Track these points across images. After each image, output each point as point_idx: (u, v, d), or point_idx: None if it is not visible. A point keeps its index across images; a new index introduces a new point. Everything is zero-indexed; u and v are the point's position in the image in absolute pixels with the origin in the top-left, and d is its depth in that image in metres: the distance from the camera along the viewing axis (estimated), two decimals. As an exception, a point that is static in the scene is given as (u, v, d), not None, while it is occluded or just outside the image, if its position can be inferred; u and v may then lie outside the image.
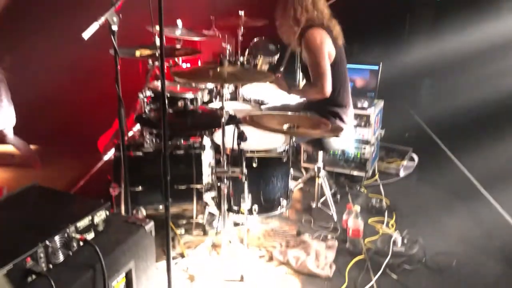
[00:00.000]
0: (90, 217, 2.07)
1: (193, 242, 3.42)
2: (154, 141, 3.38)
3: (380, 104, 4.56)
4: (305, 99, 3.93)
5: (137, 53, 3.67)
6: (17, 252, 1.76)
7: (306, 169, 4.59)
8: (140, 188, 3.18)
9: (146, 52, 3.71)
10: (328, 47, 3.46)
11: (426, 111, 6.39)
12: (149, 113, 3.47)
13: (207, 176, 3.36)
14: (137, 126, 4.23)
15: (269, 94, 4.41)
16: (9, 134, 4.35)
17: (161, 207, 3.25)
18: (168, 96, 3.58)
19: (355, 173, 4.45)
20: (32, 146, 4.67)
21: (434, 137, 5.65)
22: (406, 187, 4.48)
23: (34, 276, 1.79)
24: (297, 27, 3.52)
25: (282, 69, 4.12)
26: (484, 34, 5.84)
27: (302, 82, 4.19)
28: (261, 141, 3.44)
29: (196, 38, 4.66)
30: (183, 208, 3.32)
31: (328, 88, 3.48)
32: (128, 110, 4.13)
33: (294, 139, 3.56)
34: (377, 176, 4.58)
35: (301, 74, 4.47)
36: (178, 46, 4.17)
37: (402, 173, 4.65)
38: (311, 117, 3.53)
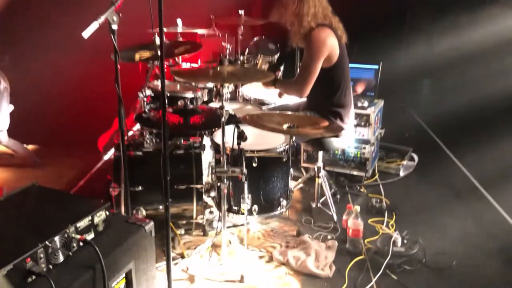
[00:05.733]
0: (90, 217, 2.06)
1: (193, 242, 3.42)
2: (154, 140, 3.37)
3: (380, 103, 4.56)
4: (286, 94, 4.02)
5: (137, 56, 3.66)
6: (17, 252, 1.75)
7: (306, 169, 4.59)
8: (140, 188, 3.18)
9: (146, 54, 3.70)
10: (331, 48, 3.42)
11: (426, 111, 6.40)
12: (149, 113, 3.46)
13: (207, 176, 3.35)
14: (137, 126, 4.22)
15: (268, 93, 4.41)
16: (3, 137, 4.34)
17: (161, 207, 3.25)
18: (168, 95, 3.57)
19: (355, 173, 4.45)
20: (32, 146, 4.67)
21: (434, 137, 5.66)
22: (406, 187, 4.47)
23: (34, 277, 1.79)
24: (314, 22, 3.44)
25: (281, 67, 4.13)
26: (485, 34, 5.85)
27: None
28: (261, 141, 3.44)
29: (197, 30, 4.64)
30: (183, 208, 3.31)
31: (307, 92, 3.49)
32: (128, 109, 4.13)
33: (294, 138, 3.56)
34: (377, 176, 4.59)
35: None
36: (180, 39, 4.16)
37: (402, 173, 4.65)
38: (311, 117, 3.53)
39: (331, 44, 3.42)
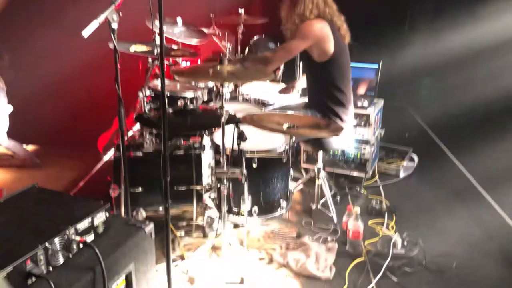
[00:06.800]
0: (90, 219, 2.06)
1: (193, 244, 3.40)
2: (154, 141, 3.36)
3: (380, 103, 4.55)
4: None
5: (132, 47, 3.64)
6: (17, 254, 1.74)
7: (306, 170, 4.58)
8: (140, 189, 3.16)
9: (142, 48, 3.68)
10: (322, 37, 3.39)
11: (426, 111, 6.39)
12: (149, 113, 3.45)
13: (207, 177, 3.34)
14: (137, 126, 4.21)
15: (269, 93, 4.41)
16: (2, 140, 4.32)
17: (161, 208, 3.23)
18: (168, 95, 3.55)
19: (355, 174, 4.44)
20: (31, 147, 4.65)
21: (434, 137, 5.65)
22: (406, 188, 4.47)
23: (34, 279, 1.78)
24: (290, 17, 3.45)
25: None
26: (485, 33, 5.84)
27: (302, 77, 4.16)
28: (261, 141, 3.43)
29: (194, 42, 4.61)
30: (183, 209, 3.30)
31: (272, 67, 3.47)
32: (127, 109, 4.11)
33: (294, 138, 3.55)
34: (377, 177, 4.57)
35: (301, 68, 4.46)
36: (174, 47, 4.15)
37: (402, 174, 4.64)
38: (311, 117, 3.51)
39: (322, 33, 3.39)
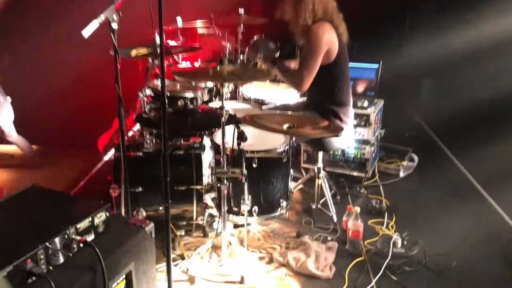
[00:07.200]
0: (90, 219, 2.06)
1: (193, 243, 3.41)
2: (154, 141, 3.36)
3: (380, 103, 4.55)
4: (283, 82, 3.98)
5: (133, 52, 3.64)
6: (17, 253, 1.75)
7: (306, 170, 4.57)
8: (140, 188, 3.17)
9: (143, 51, 3.68)
10: (329, 43, 3.42)
11: (427, 111, 6.37)
12: (149, 113, 3.45)
13: (207, 177, 3.34)
14: (137, 126, 4.21)
15: (269, 93, 4.41)
16: (12, 132, 4.32)
17: (161, 208, 3.23)
18: (168, 95, 3.56)
19: (355, 173, 4.44)
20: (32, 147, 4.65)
21: (434, 137, 5.64)
22: (406, 188, 4.46)
23: (34, 278, 1.78)
24: (311, 19, 3.46)
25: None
26: (486, 33, 5.82)
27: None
28: (261, 141, 3.43)
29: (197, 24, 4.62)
30: (183, 209, 3.30)
31: (305, 87, 3.49)
32: (128, 109, 4.12)
33: (294, 139, 3.55)
34: (377, 177, 4.57)
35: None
36: (180, 38, 4.16)
37: (402, 174, 4.64)
38: (311, 117, 3.52)
39: (329, 39, 3.42)
